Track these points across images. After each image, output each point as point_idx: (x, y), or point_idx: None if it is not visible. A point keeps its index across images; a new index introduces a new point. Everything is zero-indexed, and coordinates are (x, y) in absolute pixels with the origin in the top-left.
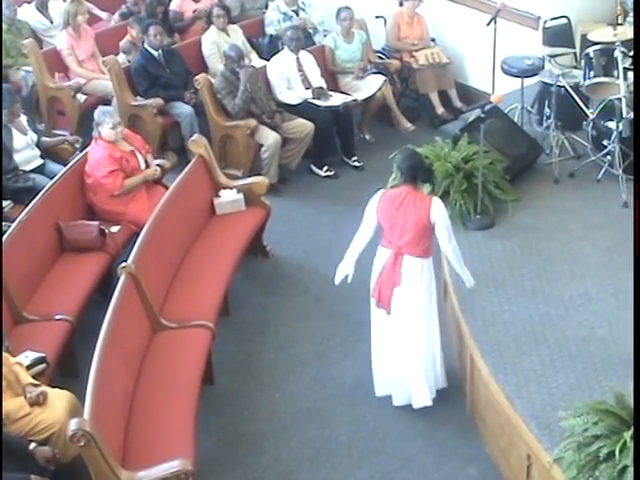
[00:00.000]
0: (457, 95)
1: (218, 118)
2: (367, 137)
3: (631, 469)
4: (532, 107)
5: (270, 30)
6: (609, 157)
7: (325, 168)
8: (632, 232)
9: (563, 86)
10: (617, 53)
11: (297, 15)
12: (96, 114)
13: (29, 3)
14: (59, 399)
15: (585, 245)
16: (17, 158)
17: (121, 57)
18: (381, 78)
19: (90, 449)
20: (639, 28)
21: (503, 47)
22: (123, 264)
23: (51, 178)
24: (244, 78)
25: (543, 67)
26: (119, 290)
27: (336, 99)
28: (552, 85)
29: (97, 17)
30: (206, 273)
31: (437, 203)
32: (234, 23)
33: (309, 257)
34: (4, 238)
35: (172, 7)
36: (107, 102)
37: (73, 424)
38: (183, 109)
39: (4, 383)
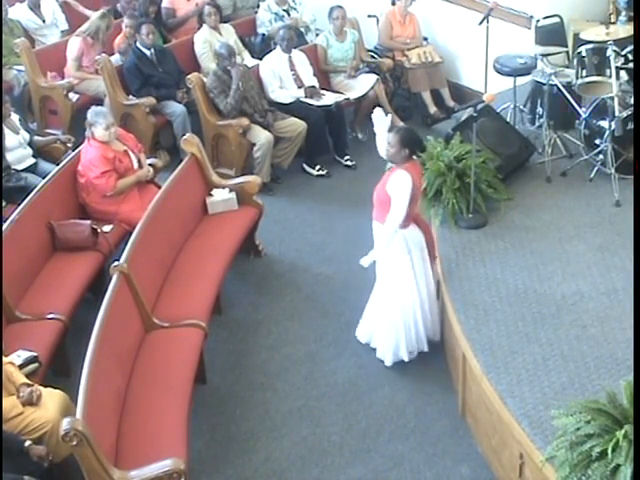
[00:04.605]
0: (449, 94)
1: (210, 117)
2: (359, 136)
3: (623, 468)
4: (524, 106)
5: (262, 30)
6: (601, 156)
7: (317, 167)
8: (625, 231)
9: (555, 85)
10: (609, 52)
11: (288, 15)
12: (89, 114)
13: (21, 2)
14: (51, 398)
15: (577, 244)
16: (9, 157)
17: (115, 58)
18: (373, 77)
19: (82, 448)
20: (639, 27)
21: (495, 46)
22: (115, 263)
23: (43, 177)
24: (236, 77)
25: (535, 66)
26: (111, 289)
27: (328, 98)
28: (544, 84)
29: (84, 15)
30: (198, 272)
31: (395, 177)
32: (226, 22)
33: (301, 256)
34: None
35: (164, 4)
36: (99, 101)
37: (65, 423)
38: (175, 108)
39: None
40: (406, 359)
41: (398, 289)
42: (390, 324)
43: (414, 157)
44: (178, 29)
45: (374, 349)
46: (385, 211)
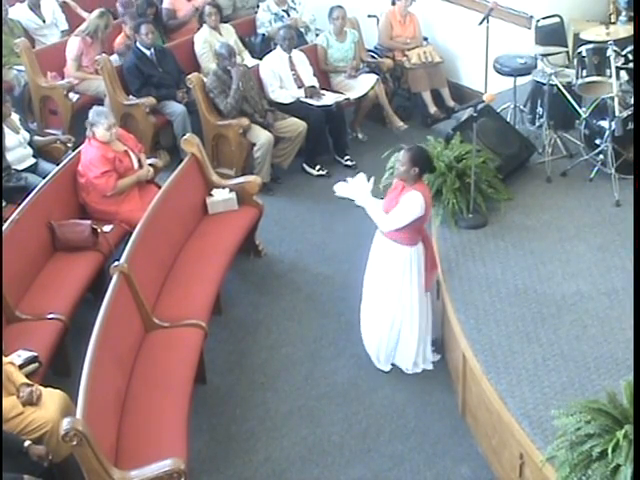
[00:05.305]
0: (449, 94)
1: (210, 117)
2: (360, 136)
3: (624, 468)
4: (525, 106)
5: (262, 30)
6: (601, 156)
7: (317, 167)
8: (625, 231)
9: (555, 85)
10: (610, 52)
11: (288, 15)
12: (91, 114)
13: (21, 2)
14: (51, 398)
15: (577, 244)
16: (9, 157)
17: (114, 58)
18: (373, 77)
19: (83, 448)
20: (639, 27)
21: (495, 46)
22: (115, 263)
23: (44, 177)
24: (236, 77)
25: (536, 66)
26: (111, 289)
27: (329, 98)
28: (545, 84)
29: (81, 17)
30: (198, 272)
31: (410, 195)
32: (226, 22)
33: (301, 256)
34: None
35: (165, 5)
36: (99, 101)
37: (66, 423)
38: (175, 108)
39: None
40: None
41: (393, 302)
42: (377, 332)
43: (423, 177)
44: (179, 29)
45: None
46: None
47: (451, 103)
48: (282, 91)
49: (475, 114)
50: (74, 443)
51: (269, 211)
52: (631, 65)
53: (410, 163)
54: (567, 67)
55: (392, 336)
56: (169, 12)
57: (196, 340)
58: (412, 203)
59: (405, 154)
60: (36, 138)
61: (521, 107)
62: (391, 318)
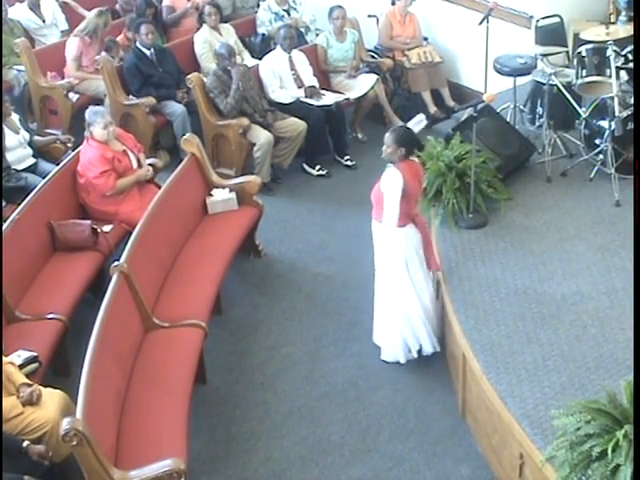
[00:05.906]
0: (449, 94)
1: (210, 117)
2: (359, 136)
3: (623, 468)
4: (524, 106)
5: (262, 30)
6: (601, 156)
7: (317, 167)
8: (625, 231)
9: (555, 85)
10: (609, 52)
11: (289, 15)
12: (87, 114)
13: (21, 2)
14: (51, 398)
15: (577, 244)
16: (9, 157)
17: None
18: (373, 77)
19: (82, 448)
20: (639, 27)
21: (495, 46)
22: (115, 263)
23: (43, 177)
24: (236, 77)
25: (535, 66)
26: (111, 289)
27: (328, 98)
28: (544, 84)
29: (82, 17)
30: (198, 272)
31: (386, 174)
32: (226, 22)
33: (301, 256)
34: None
35: (165, 3)
36: (99, 101)
37: (65, 423)
38: (175, 108)
39: None
40: (414, 354)
41: (397, 288)
42: (394, 323)
43: (412, 156)
44: (176, 27)
45: (378, 349)
46: (381, 209)
47: (451, 103)
48: (282, 91)
49: (475, 114)
50: (74, 443)
51: (269, 211)
52: (631, 65)
53: (396, 144)
54: (567, 67)
55: (407, 324)
56: (169, 10)
57: (196, 340)
58: (388, 182)
59: (390, 136)
60: (36, 138)
61: (521, 107)
62: (401, 304)
